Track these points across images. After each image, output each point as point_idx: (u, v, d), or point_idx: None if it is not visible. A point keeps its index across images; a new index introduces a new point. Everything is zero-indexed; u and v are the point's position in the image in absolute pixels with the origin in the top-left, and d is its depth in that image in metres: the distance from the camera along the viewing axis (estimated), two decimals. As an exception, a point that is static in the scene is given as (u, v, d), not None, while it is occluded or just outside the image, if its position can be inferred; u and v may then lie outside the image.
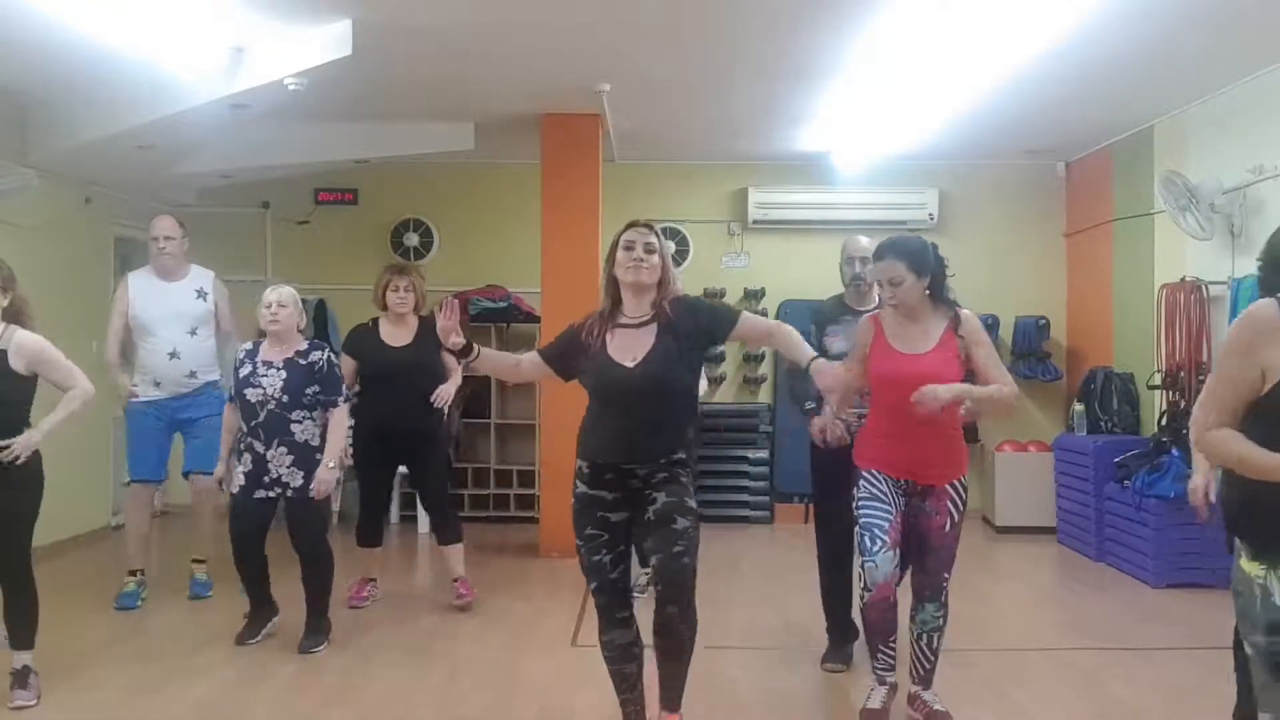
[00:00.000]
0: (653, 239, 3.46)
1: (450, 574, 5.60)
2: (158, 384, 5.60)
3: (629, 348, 3.42)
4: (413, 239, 8.58)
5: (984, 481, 8.33)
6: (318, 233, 8.58)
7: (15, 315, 4.05)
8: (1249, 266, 5.80)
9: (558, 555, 6.42)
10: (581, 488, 3.46)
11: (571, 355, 3.53)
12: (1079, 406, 7.49)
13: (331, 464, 4.71)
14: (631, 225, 3.50)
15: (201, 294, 5.69)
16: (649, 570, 3.53)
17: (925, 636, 3.83)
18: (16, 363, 3.93)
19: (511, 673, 4.50)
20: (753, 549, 7.43)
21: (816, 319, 4.62)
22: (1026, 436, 8.19)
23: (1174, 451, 6.21)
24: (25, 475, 3.94)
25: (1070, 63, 5.57)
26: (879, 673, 3.88)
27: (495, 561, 6.80)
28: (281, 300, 4.73)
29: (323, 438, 4.76)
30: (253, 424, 4.68)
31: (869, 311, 4.24)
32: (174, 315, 5.60)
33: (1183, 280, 6.40)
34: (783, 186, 8.49)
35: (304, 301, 7.84)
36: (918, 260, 3.70)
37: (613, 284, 3.49)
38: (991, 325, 8.28)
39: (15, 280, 4.07)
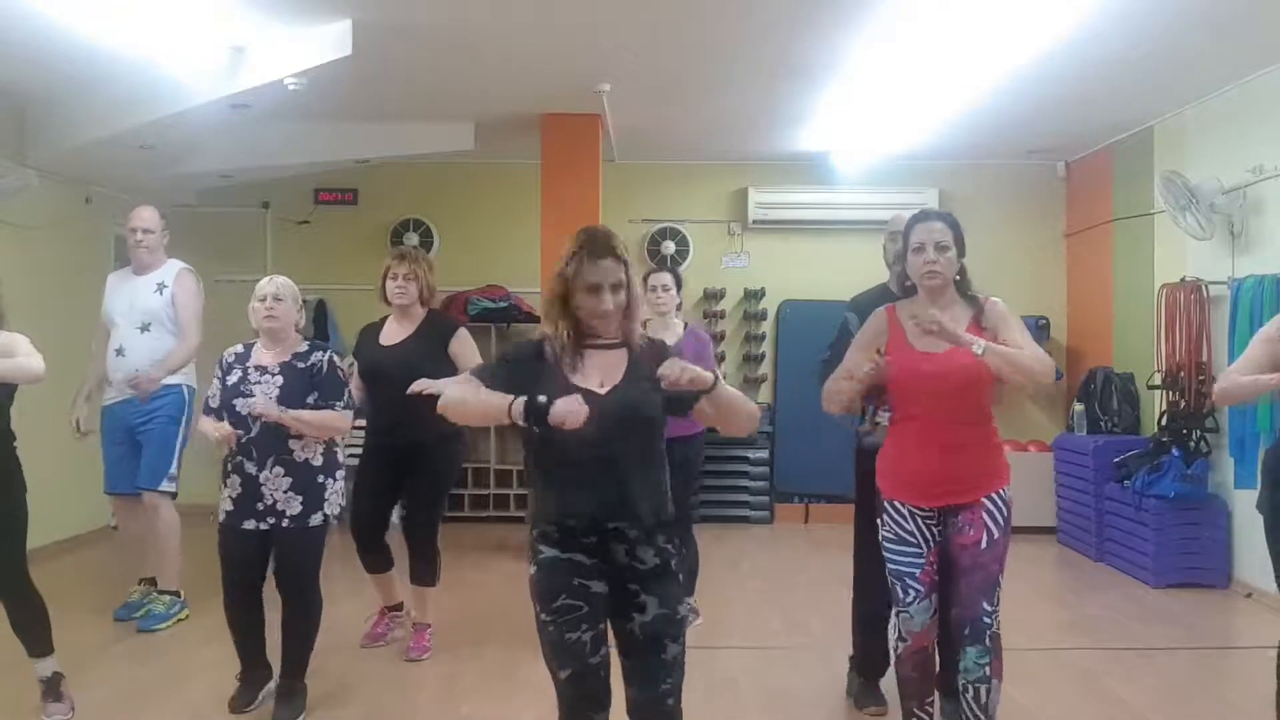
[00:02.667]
0: (622, 274, 2.67)
1: (414, 615, 4.89)
2: (110, 384, 5.23)
3: (596, 371, 2.71)
4: (413, 239, 8.57)
5: (984, 481, 8.33)
6: (318, 233, 8.58)
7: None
8: (1249, 267, 5.82)
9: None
10: (549, 551, 2.66)
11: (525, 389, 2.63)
12: (1079, 406, 7.49)
13: (286, 412, 3.84)
14: (593, 254, 2.66)
15: (161, 288, 5.19)
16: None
17: (971, 689, 3.18)
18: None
19: (512, 673, 4.49)
20: (753, 549, 7.42)
21: (861, 310, 3.86)
22: (1026, 436, 8.18)
23: (1174, 451, 6.21)
24: (8, 484, 3.77)
25: (1070, 63, 5.57)
26: None
27: (495, 561, 6.79)
28: (278, 293, 4.01)
29: (325, 457, 3.99)
30: (243, 440, 3.87)
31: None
32: (128, 309, 5.20)
33: (1183, 280, 6.40)
34: (783, 186, 8.49)
35: (304, 302, 7.94)
36: (958, 230, 3.34)
37: (570, 314, 2.71)
38: (991, 325, 8.28)
39: None
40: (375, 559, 4.83)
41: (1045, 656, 4.83)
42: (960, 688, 3.23)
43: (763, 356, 8.57)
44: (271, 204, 8.57)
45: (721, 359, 8.55)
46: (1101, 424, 7.26)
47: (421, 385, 4.08)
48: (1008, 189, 8.55)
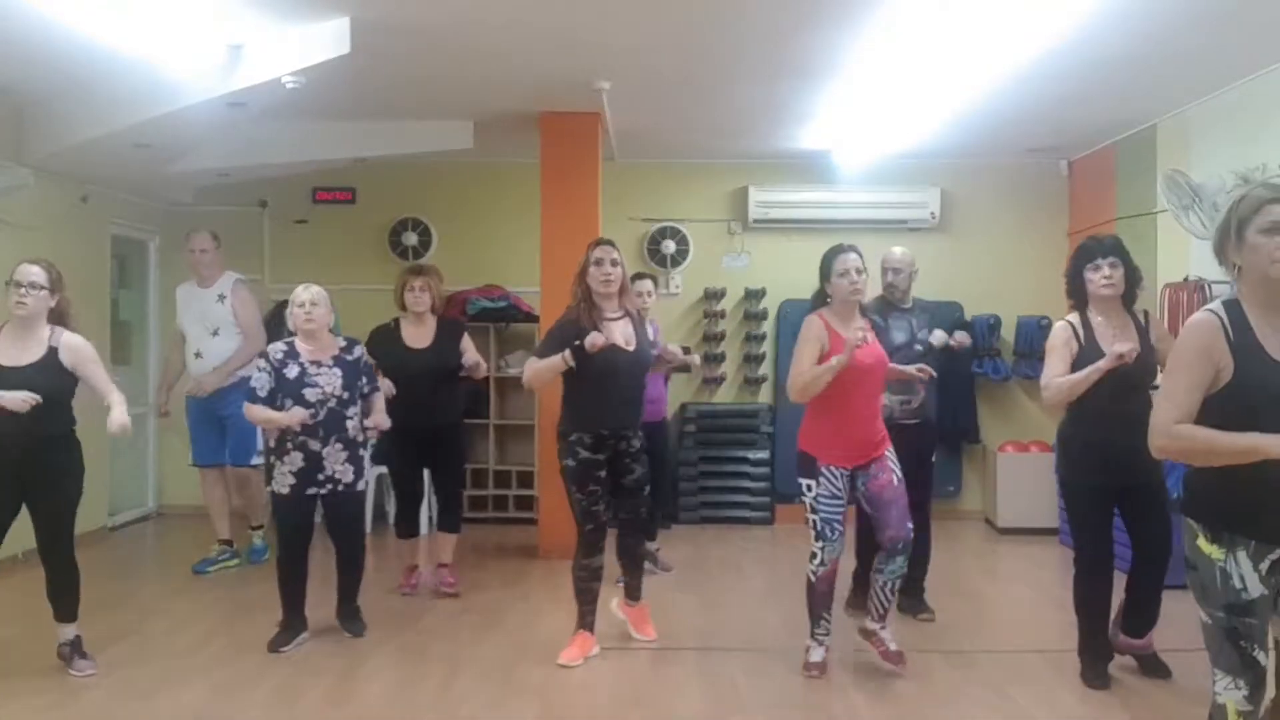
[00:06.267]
0: (616, 254, 4.58)
1: (438, 558, 5.94)
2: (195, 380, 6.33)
3: (620, 335, 4.50)
4: (411, 238, 8.54)
5: (985, 482, 8.31)
6: (315, 232, 8.54)
7: (60, 317, 4.44)
8: (1252, 265, 5.79)
9: (557, 556, 6.38)
10: (584, 454, 4.52)
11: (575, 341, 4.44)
12: (1081, 406, 7.45)
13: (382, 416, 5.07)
14: (598, 244, 4.58)
15: (221, 298, 6.26)
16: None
17: (890, 584, 4.45)
18: (66, 359, 4.35)
19: (510, 673, 4.48)
20: (753, 549, 7.40)
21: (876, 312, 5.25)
22: (1028, 437, 8.15)
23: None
24: (71, 461, 4.45)
25: (1072, 61, 5.54)
26: (819, 637, 4.49)
27: (494, 562, 6.77)
28: (314, 299, 4.87)
29: (364, 434, 5.02)
30: (311, 423, 4.76)
31: (909, 309, 5.38)
32: (199, 318, 6.28)
33: (1185, 280, 6.37)
34: (783, 185, 8.45)
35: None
36: (862, 258, 4.45)
37: (586, 290, 4.52)
38: (993, 325, 8.27)
39: (63, 282, 4.44)
40: (414, 526, 5.99)
41: (1045, 658, 4.82)
42: (881, 583, 4.44)
43: (763, 356, 8.54)
44: (269, 203, 8.54)
45: (721, 359, 8.53)
46: (1103, 424, 7.22)
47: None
48: (1010, 188, 8.52)
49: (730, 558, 7.03)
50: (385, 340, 5.69)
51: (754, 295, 8.52)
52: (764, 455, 8.24)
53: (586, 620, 4.64)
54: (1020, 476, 7.87)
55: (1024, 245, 8.47)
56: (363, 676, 4.46)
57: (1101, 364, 4.08)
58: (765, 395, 8.58)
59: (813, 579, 4.44)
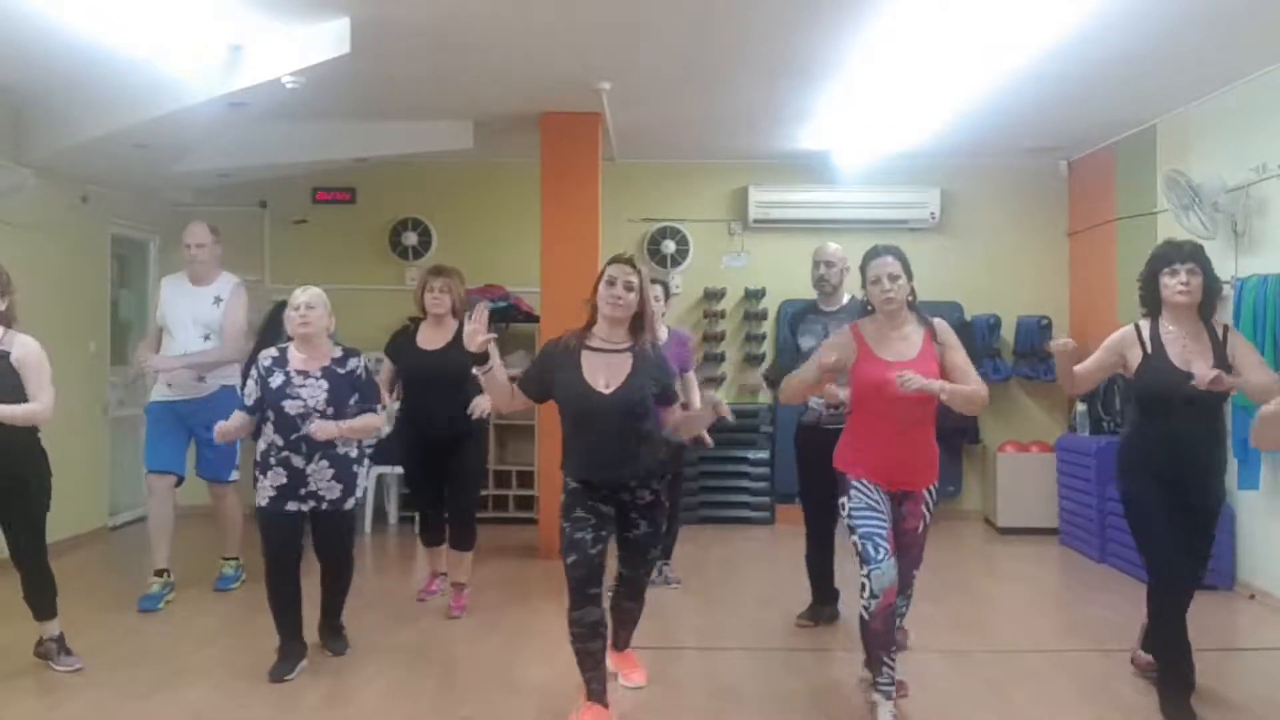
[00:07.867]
0: (633, 277, 3.75)
1: (452, 576, 5.57)
2: (170, 385, 5.68)
3: (602, 373, 3.73)
4: (411, 238, 8.54)
5: (986, 482, 8.31)
6: (315, 232, 8.54)
7: (10, 319, 4.34)
8: (1253, 266, 5.79)
9: (557, 557, 6.35)
10: (573, 485, 3.82)
11: (544, 379, 3.83)
12: (1081, 407, 7.46)
13: (342, 425, 4.41)
14: (615, 260, 3.80)
15: (218, 301, 5.74)
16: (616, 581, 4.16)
17: (894, 620, 4.10)
18: (15, 360, 4.23)
19: (510, 675, 4.47)
20: (753, 550, 7.40)
21: (791, 320, 5.31)
22: (1028, 437, 8.15)
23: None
24: (35, 466, 4.34)
25: (1072, 61, 5.54)
26: (883, 688, 3.81)
27: (494, 563, 6.76)
28: (310, 302, 4.46)
29: (358, 449, 4.63)
30: (293, 437, 4.38)
31: (833, 312, 4.99)
32: (190, 319, 5.70)
33: (1185, 280, 6.36)
34: (783, 185, 8.45)
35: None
36: (907, 263, 3.93)
37: (592, 309, 3.81)
38: (993, 325, 8.26)
39: (11, 284, 4.34)
40: (436, 534, 5.69)
41: (1047, 659, 4.81)
42: None
43: (763, 357, 8.53)
44: (269, 203, 8.54)
45: (721, 359, 8.54)
46: (1104, 424, 7.23)
47: (479, 410, 5.25)
48: (1009, 188, 8.52)
49: (730, 558, 7.02)
50: (399, 341, 5.48)
51: (754, 295, 8.52)
52: (764, 455, 8.24)
53: (593, 689, 3.82)
54: (1020, 476, 7.86)
55: (1024, 245, 8.47)
56: (363, 677, 4.45)
57: (1059, 360, 4.27)
58: (765, 395, 8.56)
59: (865, 615, 3.75)
